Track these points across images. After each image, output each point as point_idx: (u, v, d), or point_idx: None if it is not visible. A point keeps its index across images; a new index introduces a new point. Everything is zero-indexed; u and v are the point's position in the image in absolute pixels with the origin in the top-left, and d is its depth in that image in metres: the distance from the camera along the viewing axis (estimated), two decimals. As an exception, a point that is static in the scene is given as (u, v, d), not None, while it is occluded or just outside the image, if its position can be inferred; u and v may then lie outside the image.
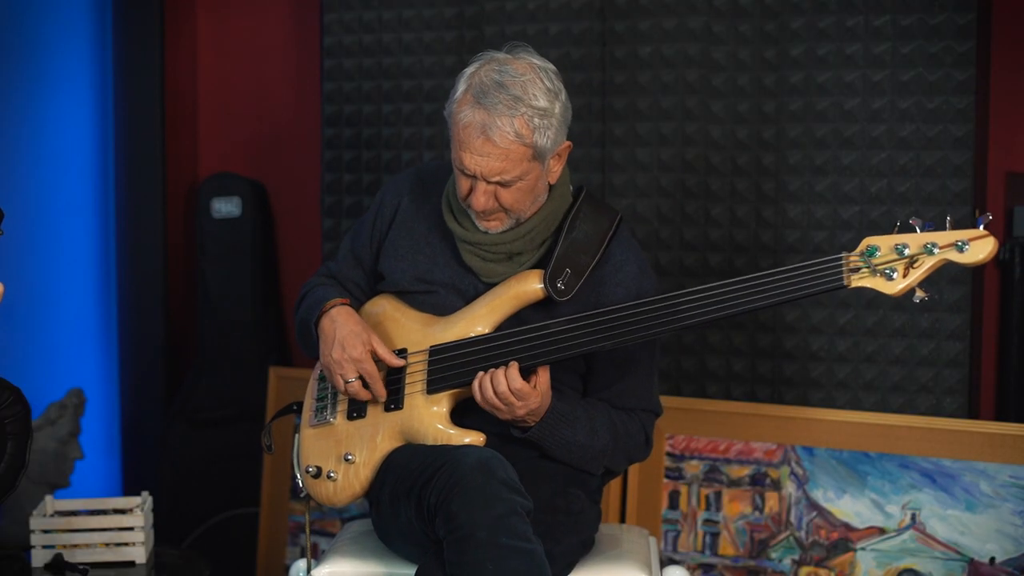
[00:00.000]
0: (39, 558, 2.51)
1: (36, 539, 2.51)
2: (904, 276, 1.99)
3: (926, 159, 2.71)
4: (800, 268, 2.05)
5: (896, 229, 2.01)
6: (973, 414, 2.74)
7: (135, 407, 3.62)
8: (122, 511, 2.58)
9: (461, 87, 2.17)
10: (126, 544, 2.54)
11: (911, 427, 2.70)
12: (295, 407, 2.43)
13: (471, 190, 2.17)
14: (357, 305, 2.38)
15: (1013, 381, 2.83)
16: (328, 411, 2.32)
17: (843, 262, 2.02)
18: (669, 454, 2.91)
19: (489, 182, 2.15)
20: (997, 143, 2.83)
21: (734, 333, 2.89)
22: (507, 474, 2.04)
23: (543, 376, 2.15)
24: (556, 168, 2.23)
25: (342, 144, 3.25)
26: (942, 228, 1.99)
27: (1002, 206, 2.84)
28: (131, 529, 2.54)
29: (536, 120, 2.12)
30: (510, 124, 2.11)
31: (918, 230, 1.99)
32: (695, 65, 2.87)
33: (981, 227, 1.97)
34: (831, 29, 2.76)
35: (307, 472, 2.29)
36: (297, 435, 2.37)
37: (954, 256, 1.97)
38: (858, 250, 2.02)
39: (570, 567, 2.22)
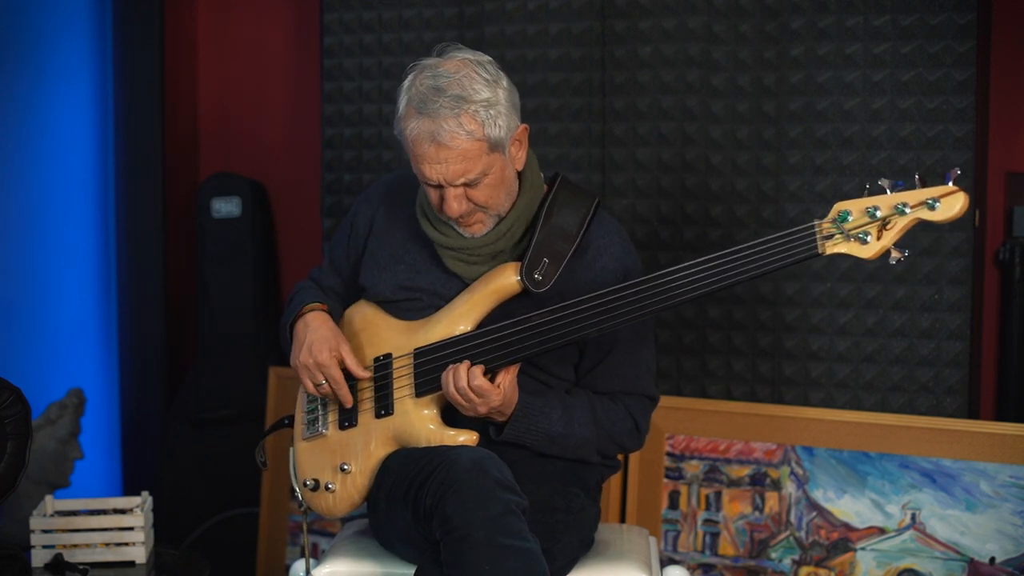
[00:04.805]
0: (39, 558, 2.51)
1: (36, 539, 2.51)
2: (878, 239, 1.98)
3: (926, 159, 2.71)
4: (774, 239, 2.02)
5: (866, 192, 2.00)
6: (973, 414, 2.74)
7: (135, 407, 3.62)
8: (122, 511, 2.58)
9: (402, 103, 2.16)
10: (126, 544, 2.54)
11: (911, 427, 2.70)
12: (287, 421, 2.43)
13: (442, 199, 2.16)
14: (337, 311, 2.38)
15: (1013, 381, 2.83)
16: (319, 423, 2.32)
17: (816, 230, 2.00)
18: (669, 454, 2.91)
19: (455, 186, 2.14)
20: (997, 143, 2.83)
21: (734, 333, 2.90)
22: (501, 473, 2.04)
23: (506, 376, 2.14)
24: (519, 154, 2.21)
25: (342, 144, 3.26)
26: (912, 187, 1.97)
27: (1002, 206, 2.84)
28: (131, 529, 2.54)
29: (482, 113, 2.10)
30: (457, 124, 2.09)
31: (888, 191, 1.98)
32: (695, 65, 2.88)
33: (950, 183, 1.95)
34: (831, 29, 2.76)
35: (305, 486, 2.30)
36: (292, 448, 2.37)
37: (926, 214, 1.96)
38: (830, 217, 2.00)
39: (570, 565, 2.22)
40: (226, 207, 3.53)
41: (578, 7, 2.97)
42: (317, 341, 2.25)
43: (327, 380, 2.24)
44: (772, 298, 2.85)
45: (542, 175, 2.31)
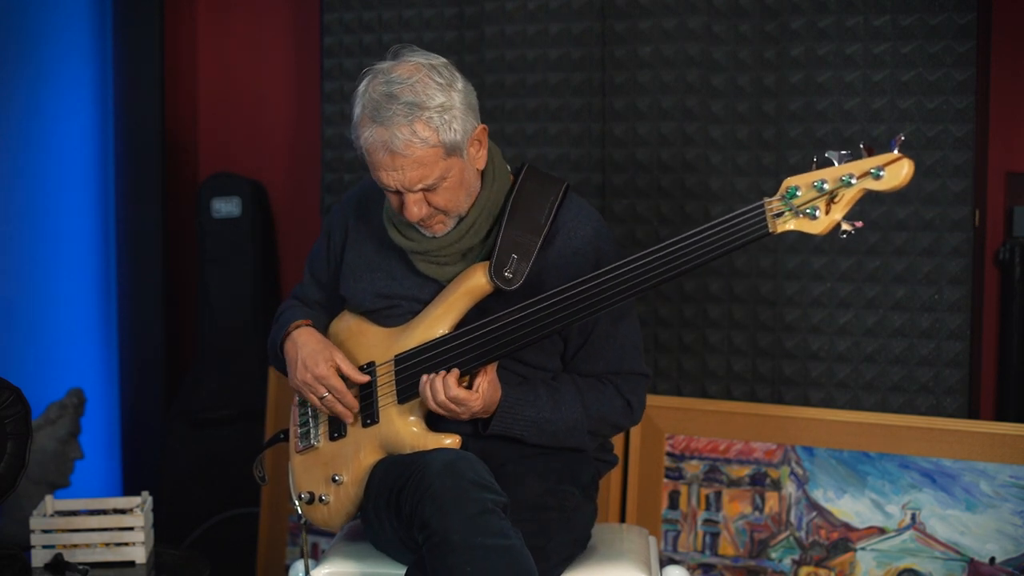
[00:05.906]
0: (39, 558, 2.51)
1: (36, 539, 2.51)
2: (827, 212, 1.93)
3: (926, 159, 2.71)
4: (723, 222, 1.98)
5: (814, 165, 1.95)
6: (973, 414, 2.74)
7: (135, 407, 3.62)
8: (122, 511, 2.58)
9: (357, 109, 2.13)
10: (126, 544, 2.54)
11: (911, 427, 2.70)
12: (282, 435, 2.44)
13: (402, 204, 2.14)
14: (323, 323, 2.38)
15: (1013, 381, 2.83)
16: (312, 435, 2.33)
17: (765, 208, 1.95)
18: (669, 454, 2.91)
19: (414, 191, 2.12)
20: (997, 143, 2.83)
21: (734, 333, 2.90)
22: (476, 473, 2.02)
23: (483, 378, 2.13)
24: (480, 154, 2.18)
25: (342, 144, 3.25)
26: (859, 158, 1.91)
27: (1002, 206, 2.84)
28: (131, 529, 2.54)
29: (436, 118, 2.07)
30: (411, 131, 2.06)
31: (836, 163, 1.93)
32: (695, 65, 2.88)
33: (895, 150, 1.89)
34: (831, 29, 2.76)
35: (300, 499, 2.31)
36: (290, 463, 2.38)
37: (871, 184, 1.90)
38: (779, 194, 1.96)
39: (564, 564, 2.20)
40: (226, 207, 3.53)
41: (578, 7, 2.97)
42: (310, 355, 2.25)
43: (329, 391, 2.24)
44: (772, 298, 2.85)
45: (508, 167, 2.28)
